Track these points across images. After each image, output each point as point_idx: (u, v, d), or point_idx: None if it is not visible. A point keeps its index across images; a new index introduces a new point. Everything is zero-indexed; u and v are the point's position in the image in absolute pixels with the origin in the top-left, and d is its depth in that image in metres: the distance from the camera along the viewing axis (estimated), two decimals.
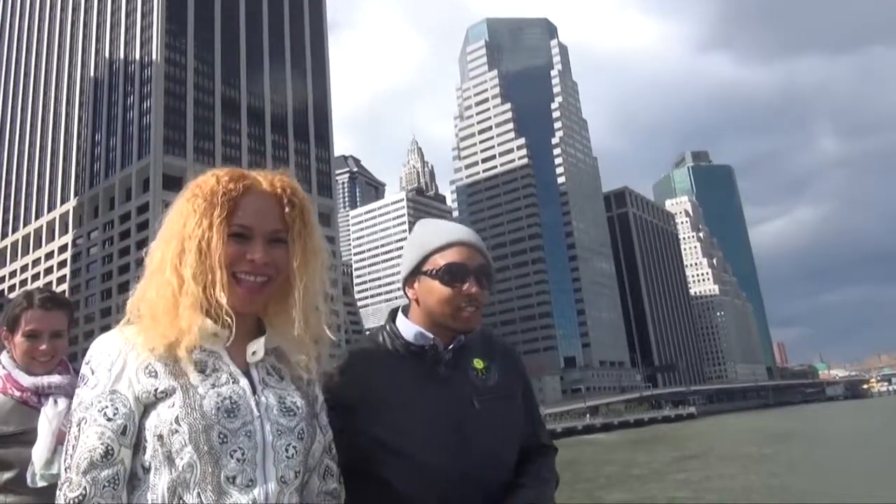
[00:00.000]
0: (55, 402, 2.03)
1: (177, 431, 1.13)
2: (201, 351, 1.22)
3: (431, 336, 1.56)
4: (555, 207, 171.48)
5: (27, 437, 1.96)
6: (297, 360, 1.32)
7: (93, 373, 1.18)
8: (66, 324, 2.16)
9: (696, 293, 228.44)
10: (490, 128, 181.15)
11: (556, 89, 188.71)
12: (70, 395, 2.05)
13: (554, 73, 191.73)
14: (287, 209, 1.28)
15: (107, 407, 1.14)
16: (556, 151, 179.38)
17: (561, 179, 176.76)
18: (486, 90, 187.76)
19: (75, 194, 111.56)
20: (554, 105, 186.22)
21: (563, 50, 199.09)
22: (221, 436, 1.14)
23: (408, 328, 1.59)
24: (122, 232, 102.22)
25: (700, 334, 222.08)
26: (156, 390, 1.16)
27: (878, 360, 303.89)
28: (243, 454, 1.15)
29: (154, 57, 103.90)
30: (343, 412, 1.42)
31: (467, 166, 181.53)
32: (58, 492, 1.11)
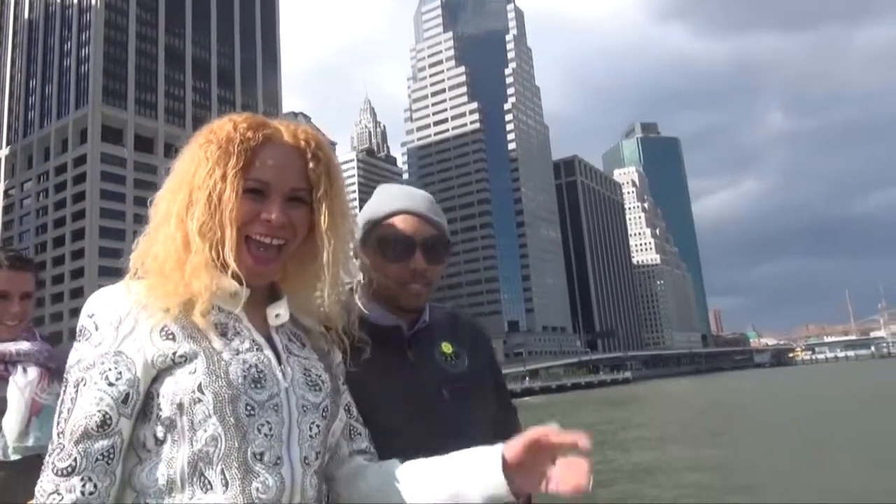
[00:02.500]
0: (24, 370, 1.92)
1: (200, 401, 1.02)
2: (219, 312, 1.12)
3: (394, 317, 1.44)
4: (504, 174, 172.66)
5: None
6: (319, 331, 1.23)
7: (97, 328, 1.06)
8: (34, 285, 2.04)
9: (638, 262, 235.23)
10: (443, 90, 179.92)
11: (511, 55, 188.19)
12: (40, 364, 1.94)
13: (509, 38, 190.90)
14: (311, 164, 1.16)
15: (110, 370, 1.03)
16: (509, 117, 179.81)
17: (512, 146, 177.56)
18: (440, 52, 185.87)
19: (7, 143, 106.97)
20: (508, 71, 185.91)
21: (520, 15, 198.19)
22: (249, 407, 1.04)
23: (371, 309, 1.41)
24: (58, 184, 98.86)
25: (640, 302, 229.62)
26: (174, 354, 1.05)
27: (805, 329, 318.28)
28: (270, 429, 1.06)
29: (93, 1, 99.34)
30: None
31: (419, 129, 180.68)
32: (47, 457, 1.00)
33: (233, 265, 1.09)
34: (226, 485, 1.01)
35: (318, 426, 1.12)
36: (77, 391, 1.02)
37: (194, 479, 1.01)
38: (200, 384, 1.03)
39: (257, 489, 1.02)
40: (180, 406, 1.02)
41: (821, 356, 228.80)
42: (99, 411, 1.00)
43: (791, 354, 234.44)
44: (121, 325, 1.06)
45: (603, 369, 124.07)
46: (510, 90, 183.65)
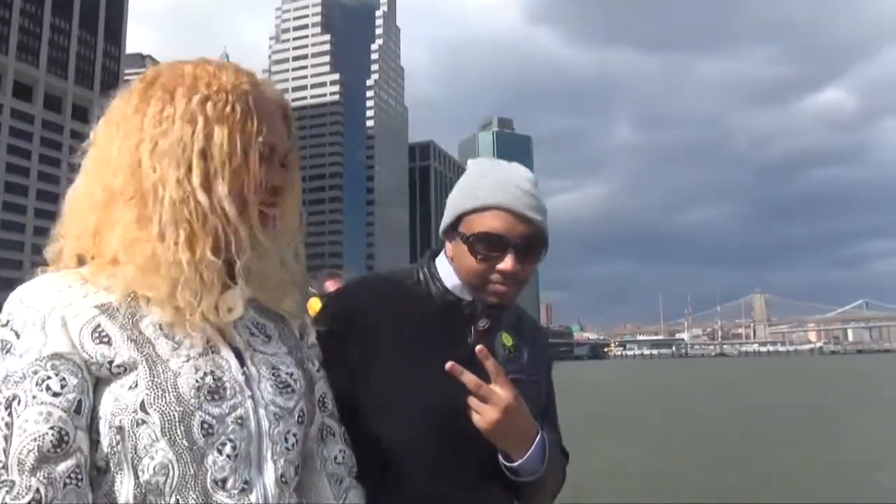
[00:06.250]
0: None
1: (144, 422, 0.84)
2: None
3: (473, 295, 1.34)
4: (360, 150, 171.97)
5: None
6: (284, 308, 1.06)
7: (17, 336, 0.86)
8: None
9: None
10: (306, 56, 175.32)
11: (379, 30, 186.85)
12: None
13: (379, 13, 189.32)
14: (284, 125, 1.02)
15: (49, 377, 0.83)
16: (370, 94, 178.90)
17: (370, 123, 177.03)
18: (307, 16, 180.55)
19: None
20: (374, 46, 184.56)
21: None
22: (205, 426, 0.87)
23: (450, 275, 1.35)
24: None
25: None
26: (110, 363, 0.86)
27: (623, 327, 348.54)
28: (234, 448, 0.88)
29: None
30: (350, 343, 1.23)
31: None
32: None
33: (257, 238, 0.95)
34: None
35: (294, 435, 0.96)
36: (12, 413, 0.81)
37: None
38: (143, 402, 0.85)
39: None
40: (120, 430, 0.85)
41: (630, 353, 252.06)
42: (51, 428, 0.81)
43: (606, 349, 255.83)
44: (46, 324, 0.86)
45: None
46: (374, 66, 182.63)
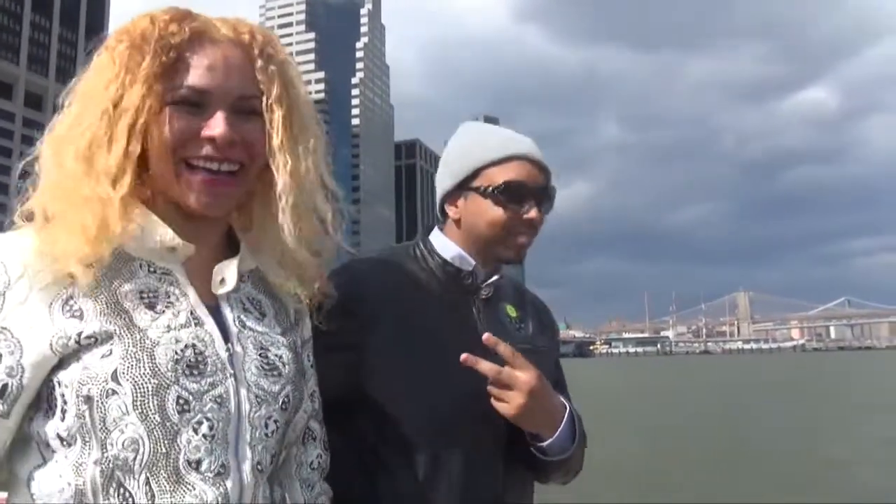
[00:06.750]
0: None
1: (114, 392, 0.78)
2: (149, 272, 0.86)
3: (473, 262, 1.32)
4: (345, 149, 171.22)
5: None
6: (284, 286, 0.98)
7: None
8: None
9: None
10: (290, 54, 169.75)
11: (364, 28, 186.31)
12: None
13: (364, 11, 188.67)
14: (260, 63, 0.90)
15: None
16: (355, 92, 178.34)
17: (355, 121, 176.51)
18: (291, 14, 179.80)
19: None
20: (359, 45, 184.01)
21: None
22: (181, 401, 0.80)
23: (446, 246, 1.33)
24: None
25: None
26: (79, 335, 0.79)
27: (609, 325, 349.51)
28: (211, 428, 0.82)
29: None
30: (349, 328, 1.16)
31: None
32: None
33: (186, 200, 0.86)
34: (151, 499, 0.79)
35: (276, 422, 0.89)
36: None
37: (110, 491, 0.78)
38: (116, 371, 0.78)
39: None
40: (88, 399, 0.78)
41: (615, 351, 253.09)
42: None
43: (592, 347, 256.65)
44: (9, 291, 0.80)
45: None
46: (359, 65, 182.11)
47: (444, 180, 1.35)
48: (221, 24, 0.90)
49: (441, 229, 1.37)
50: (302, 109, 0.94)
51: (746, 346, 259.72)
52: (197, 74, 0.85)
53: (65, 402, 0.79)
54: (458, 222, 1.33)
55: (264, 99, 0.90)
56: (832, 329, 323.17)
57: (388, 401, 1.19)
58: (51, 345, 0.79)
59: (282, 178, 0.90)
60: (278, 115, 0.90)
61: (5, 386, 0.78)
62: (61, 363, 0.79)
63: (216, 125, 0.85)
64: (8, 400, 0.78)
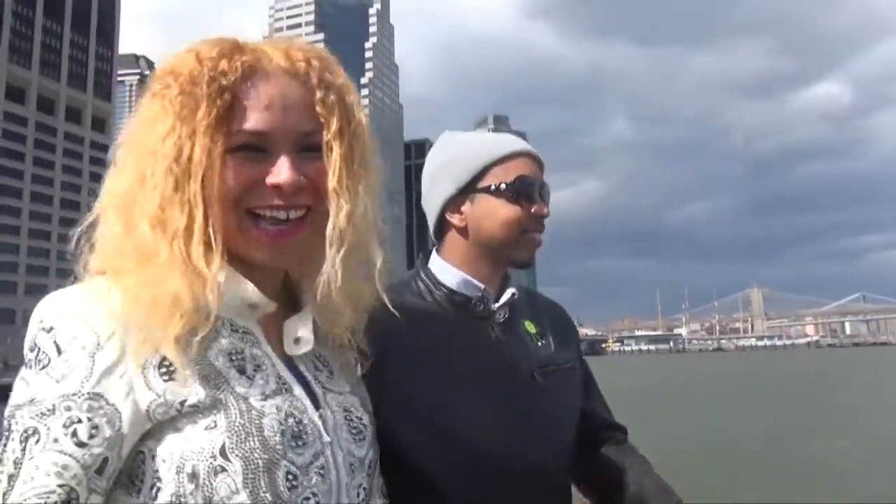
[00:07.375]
0: None
1: (223, 469, 0.72)
2: (232, 331, 0.80)
3: (482, 286, 1.25)
4: None
5: None
6: (339, 335, 0.91)
7: (59, 351, 0.72)
8: None
9: None
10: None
11: (373, 28, 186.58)
12: None
13: (372, 11, 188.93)
14: (319, 94, 0.83)
15: (80, 421, 0.69)
16: (364, 92, 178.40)
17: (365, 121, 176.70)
18: (300, 15, 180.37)
19: None
20: (368, 45, 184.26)
21: None
22: (290, 476, 0.75)
23: (449, 273, 1.26)
24: None
25: None
26: (182, 403, 0.73)
27: (621, 322, 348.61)
28: (317, 503, 0.77)
29: None
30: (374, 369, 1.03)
31: None
32: None
33: (251, 255, 0.79)
34: None
35: (365, 489, 0.85)
36: (26, 449, 0.68)
37: None
38: (224, 447, 0.72)
39: None
40: (193, 476, 0.71)
41: (628, 348, 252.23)
42: (61, 487, 0.67)
43: (604, 345, 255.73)
44: (99, 353, 0.72)
45: None
46: (368, 65, 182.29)
47: (442, 188, 1.28)
48: (273, 51, 0.83)
49: (439, 252, 1.31)
50: (363, 143, 0.87)
51: (760, 343, 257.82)
52: (255, 117, 0.78)
53: (158, 479, 0.72)
54: (463, 230, 1.26)
55: (324, 133, 0.83)
56: (847, 325, 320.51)
57: (416, 461, 1.08)
58: (149, 412, 0.72)
59: (336, 223, 0.82)
60: (337, 152, 0.82)
61: (105, 460, 0.70)
62: (151, 432, 0.73)
63: (281, 171, 0.79)
64: (107, 476, 0.70)
